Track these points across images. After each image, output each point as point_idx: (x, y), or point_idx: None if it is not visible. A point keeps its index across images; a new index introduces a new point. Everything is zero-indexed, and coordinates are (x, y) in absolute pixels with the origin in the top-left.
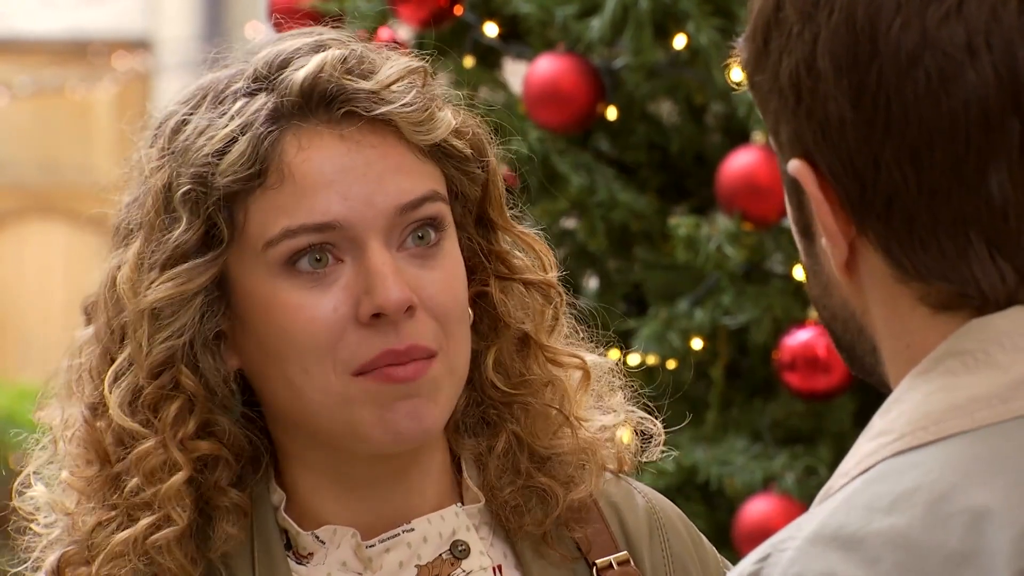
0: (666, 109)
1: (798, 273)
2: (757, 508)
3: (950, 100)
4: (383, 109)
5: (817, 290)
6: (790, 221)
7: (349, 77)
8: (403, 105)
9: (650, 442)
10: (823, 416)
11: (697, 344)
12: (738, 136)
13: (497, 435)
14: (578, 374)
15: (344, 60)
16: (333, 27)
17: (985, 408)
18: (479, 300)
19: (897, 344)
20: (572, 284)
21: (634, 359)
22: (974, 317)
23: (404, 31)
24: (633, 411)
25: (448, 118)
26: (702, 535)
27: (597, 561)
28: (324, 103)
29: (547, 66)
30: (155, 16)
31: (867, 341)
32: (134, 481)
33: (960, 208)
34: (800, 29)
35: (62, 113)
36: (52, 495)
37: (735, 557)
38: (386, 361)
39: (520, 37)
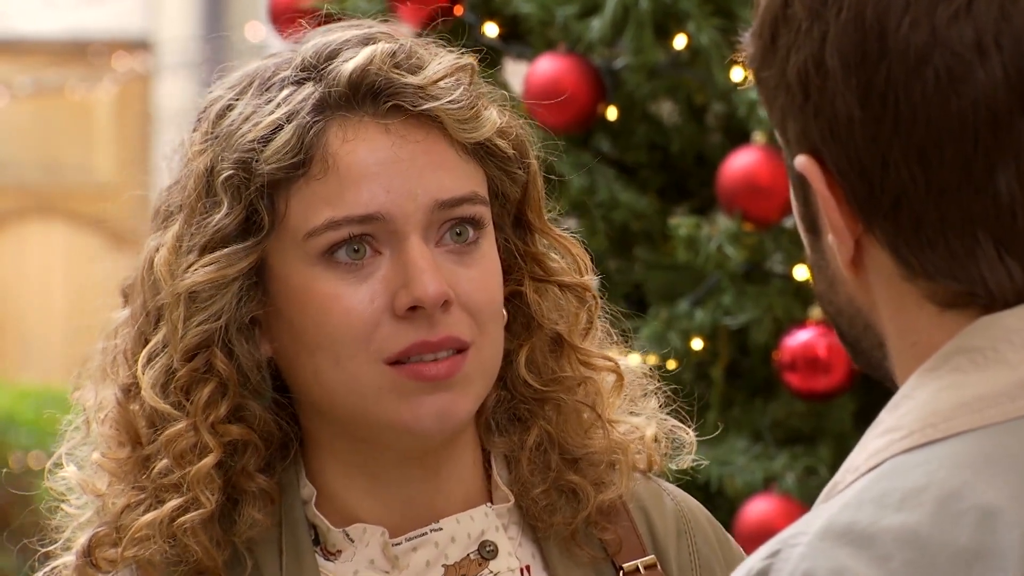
0: (667, 109)
1: (798, 273)
2: (758, 508)
3: (959, 99)
4: (429, 105)
5: (823, 286)
6: (796, 216)
7: (397, 71)
8: (449, 102)
9: (681, 451)
10: (823, 416)
11: (697, 344)
12: (739, 136)
13: (528, 431)
14: (611, 377)
15: (393, 54)
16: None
17: (994, 406)
18: (513, 300)
19: (903, 341)
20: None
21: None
22: (981, 315)
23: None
24: (666, 419)
25: (493, 117)
26: (730, 537)
27: (624, 565)
28: (371, 96)
29: (547, 66)
30: (155, 16)
31: (874, 336)
32: (163, 463)
33: (968, 207)
34: (809, 26)
35: (62, 113)
36: (84, 476)
37: None
38: (418, 352)
39: (520, 37)
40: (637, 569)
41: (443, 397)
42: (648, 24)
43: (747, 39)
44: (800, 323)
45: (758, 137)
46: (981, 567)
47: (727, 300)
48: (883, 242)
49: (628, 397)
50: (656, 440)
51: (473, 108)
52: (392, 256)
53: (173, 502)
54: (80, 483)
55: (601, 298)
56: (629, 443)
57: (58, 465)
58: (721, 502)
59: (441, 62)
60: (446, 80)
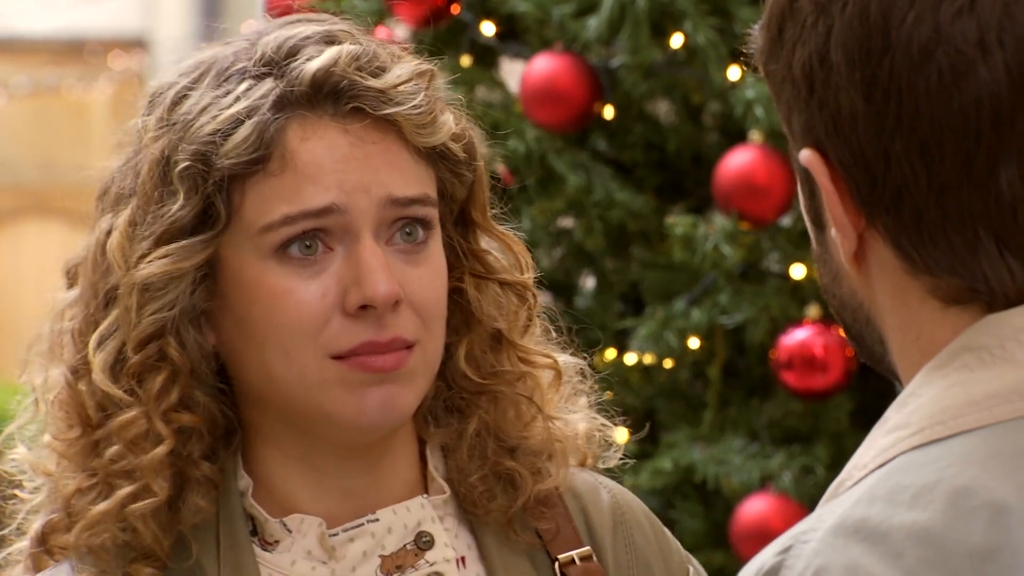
0: (663, 108)
1: (795, 272)
2: (754, 507)
3: (961, 96)
4: (391, 110)
5: (827, 279)
6: (802, 209)
7: (360, 74)
8: (410, 108)
9: (609, 449)
10: (820, 415)
11: (694, 343)
12: (735, 135)
13: (467, 421)
14: (550, 373)
15: (357, 57)
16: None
17: (1003, 404)
18: (454, 295)
19: (906, 336)
20: (569, 283)
21: (631, 358)
22: (984, 311)
23: (401, 30)
24: (596, 418)
25: (449, 122)
26: (667, 531)
27: (560, 556)
28: (333, 96)
29: (544, 65)
30: (152, 16)
31: (875, 331)
32: (114, 448)
33: (969, 204)
34: (814, 20)
35: (59, 113)
36: (34, 457)
37: (732, 556)
38: (366, 351)
39: (517, 36)
40: (573, 560)
41: (388, 389)
42: (644, 23)
43: (755, 32)
44: (797, 322)
45: (755, 136)
46: (994, 564)
47: (724, 299)
48: (885, 237)
49: (564, 395)
50: (588, 437)
51: (431, 114)
52: (344, 253)
53: (125, 489)
54: (31, 465)
55: (598, 298)
56: (567, 438)
57: (8, 445)
58: (717, 501)
59: (403, 67)
60: (406, 85)
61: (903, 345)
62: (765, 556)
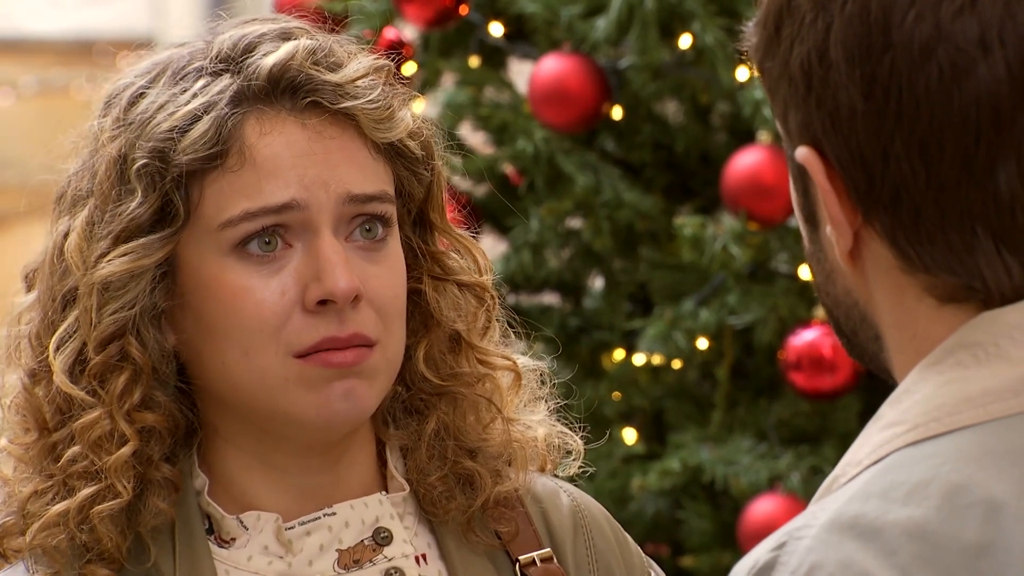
0: (671, 109)
1: (804, 273)
2: (762, 508)
3: (961, 94)
4: (348, 103)
5: (820, 277)
6: (795, 207)
7: (317, 68)
8: (367, 102)
9: (569, 456)
10: (828, 416)
11: (702, 344)
12: (744, 136)
13: (426, 421)
14: (510, 376)
15: (313, 51)
16: (304, 21)
17: (997, 401)
18: (412, 297)
19: (903, 334)
20: (577, 284)
21: (639, 359)
22: (980, 309)
23: (410, 31)
24: (555, 424)
25: (407, 118)
26: (628, 536)
27: (520, 557)
28: (290, 91)
29: (552, 66)
30: (160, 16)
31: (870, 329)
32: (74, 450)
33: (967, 202)
34: (813, 17)
35: (67, 113)
36: None
37: (740, 557)
38: (327, 347)
39: (525, 37)
40: (533, 561)
41: (349, 382)
42: (653, 24)
43: (750, 28)
44: (805, 323)
45: (763, 137)
46: (988, 561)
47: (732, 300)
48: (882, 235)
49: (524, 399)
50: (548, 444)
51: (389, 109)
52: (303, 249)
53: (86, 490)
54: None
55: (606, 298)
56: (527, 441)
57: None
58: (726, 501)
59: (360, 62)
60: (364, 80)
61: (899, 343)
62: (759, 552)
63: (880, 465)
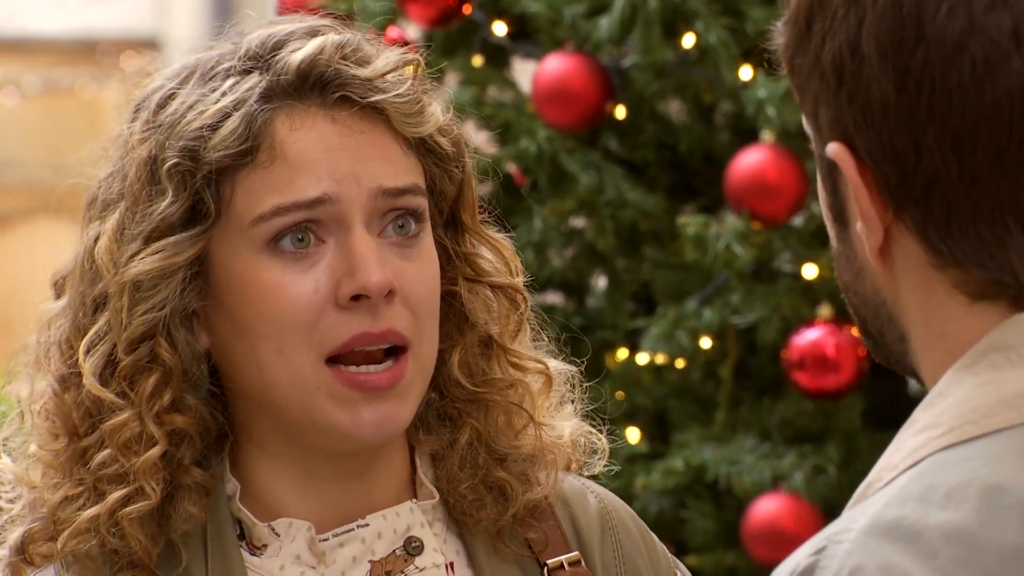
0: (675, 108)
1: (807, 272)
2: (766, 507)
3: (995, 88)
4: (377, 97)
5: (849, 276)
6: (823, 206)
7: (345, 63)
8: (396, 95)
9: (595, 455)
10: (832, 415)
11: (706, 343)
12: (747, 135)
13: (459, 431)
14: (541, 379)
15: (342, 46)
16: (332, 19)
17: None
18: (446, 299)
19: (931, 333)
20: (581, 283)
21: (643, 358)
22: (1011, 307)
23: (413, 30)
24: (582, 425)
25: (437, 113)
26: (655, 536)
27: (548, 561)
28: (319, 86)
29: (556, 65)
30: (164, 16)
31: (897, 329)
32: (104, 453)
33: (999, 196)
34: (845, 12)
35: (71, 113)
36: (18, 469)
37: (744, 556)
38: (360, 343)
39: (529, 36)
40: (561, 565)
41: (383, 407)
42: (656, 23)
43: (779, 27)
44: (809, 322)
45: (766, 136)
46: None
47: (735, 299)
48: (913, 230)
49: (553, 402)
50: (574, 443)
51: (419, 103)
52: (336, 245)
53: (117, 493)
54: (15, 476)
55: (610, 298)
56: (557, 445)
57: None
58: (729, 501)
59: (388, 56)
60: (393, 74)
61: (927, 342)
62: (799, 556)
63: (916, 469)
